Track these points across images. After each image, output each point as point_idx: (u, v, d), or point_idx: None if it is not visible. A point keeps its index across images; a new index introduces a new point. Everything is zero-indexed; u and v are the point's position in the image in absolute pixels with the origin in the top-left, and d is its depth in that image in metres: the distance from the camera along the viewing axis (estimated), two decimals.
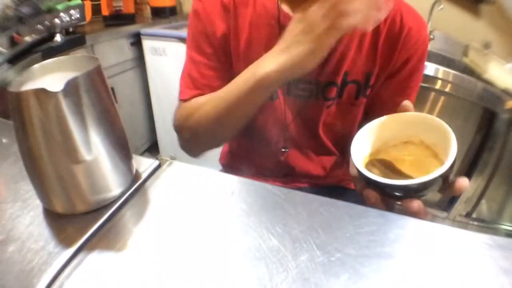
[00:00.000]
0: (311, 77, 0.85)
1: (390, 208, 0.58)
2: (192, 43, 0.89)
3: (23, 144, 0.45)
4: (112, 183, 0.50)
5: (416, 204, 0.53)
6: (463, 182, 0.54)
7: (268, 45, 0.83)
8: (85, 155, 0.44)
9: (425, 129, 0.59)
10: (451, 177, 0.54)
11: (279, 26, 0.81)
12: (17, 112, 0.42)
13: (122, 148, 0.51)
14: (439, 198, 2.23)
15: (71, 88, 0.41)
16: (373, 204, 0.57)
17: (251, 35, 0.83)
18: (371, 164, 0.63)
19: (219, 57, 0.88)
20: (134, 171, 0.55)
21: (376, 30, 0.81)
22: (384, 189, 0.55)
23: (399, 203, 0.56)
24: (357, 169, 0.56)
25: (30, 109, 0.41)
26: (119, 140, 0.51)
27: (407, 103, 0.63)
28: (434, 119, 0.57)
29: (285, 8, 0.82)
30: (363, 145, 0.64)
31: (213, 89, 0.84)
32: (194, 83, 0.89)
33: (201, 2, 0.86)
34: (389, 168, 0.61)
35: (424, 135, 0.60)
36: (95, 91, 0.45)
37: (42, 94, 0.39)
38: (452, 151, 0.51)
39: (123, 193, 0.51)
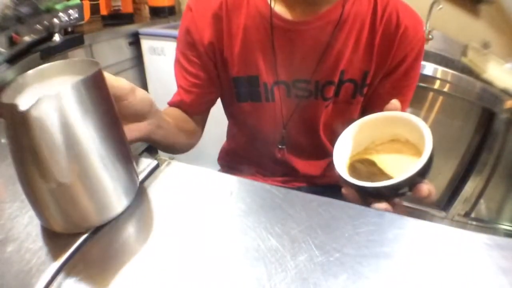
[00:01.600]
0: (309, 76, 0.85)
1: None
2: (180, 51, 0.92)
3: (14, 160, 0.42)
4: (116, 199, 0.47)
5: (383, 206, 0.53)
6: (423, 186, 0.54)
7: (262, 48, 0.84)
8: (83, 172, 0.42)
9: (410, 129, 0.59)
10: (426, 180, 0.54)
11: (271, 28, 0.81)
12: (9, 126, 0.39)
13: (125, 162, 0.48)
14: (438, 197, 2.23)
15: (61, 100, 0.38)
16: (352, 202, 0.57)
17: (245, 38, 0.84)
18: (356, 163, 0.63)
19: (204, 66, 0.89)
20: (138, 181, 0.53)
21: (373, 29, 0.81)
22: (358, 189, 0.55)
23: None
24: (336, 169, 0.57)
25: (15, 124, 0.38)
26: (122, 154, 0.48)
27: (394, 102, 0.63)
28: (415, 120, 0.58)
29: (278, 9, 0.82)
30: (348, 144, 0.64)
31: (193, 95, 0.91)
32: (178, 90, 0.94)
33: (191, 11, 0.86)
34: (372, 167, 0.61)
35: (409, 134, 0.61)
36: (93, 101, 0.41)
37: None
38: (423, 156, 0.52)
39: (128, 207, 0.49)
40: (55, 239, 0.44)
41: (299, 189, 0.54)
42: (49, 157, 0.39)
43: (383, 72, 0.85)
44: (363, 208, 0.49)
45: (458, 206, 2.15)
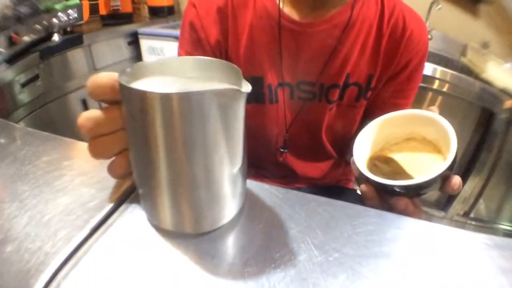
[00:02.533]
0: (315, 79, 0.84)
1: (385, 204, 0.58)
2: (184, 50, 0.89)
3: (144, 148, 0.38)
4: (232, 205, 0.45)
5: (403, 202, 0.54)
6: (455, 180, 0.54)
7: (269, 48, 0.83)
8: (236, 166, 0.42)
9: (426, 125, 0.59)
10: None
11: (279, 28, 0.81)
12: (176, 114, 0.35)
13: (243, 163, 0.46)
14: (437, 197, 2.23)
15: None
16: (370, 199, 0.57)
17: (251, 37, 0.83)
18: (374, 161, 0.63)
19: None
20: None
21: (379, 32, 0.82)
22: (384, 188, 0.55)
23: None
24: (358, 169, 0.57)
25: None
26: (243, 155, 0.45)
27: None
28: (434, 116, 0.58)
29: (286, 10, 0.81)
30: (365, 144, 0.64)
31: None
32: None
33: (195, 8, 0.84)
34: (394, 165, 0.61)
35: (425, 131, 0.61)
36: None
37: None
38: (451, 151, 0.51)
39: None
40: (53, 239, 0.44)
41: (298, 189, 0.54)
42: (198, 152, 0.37)
43: (387, 75, 0.85)
44: (362, 208, 0.49)
45: (457, 206, 2.15)
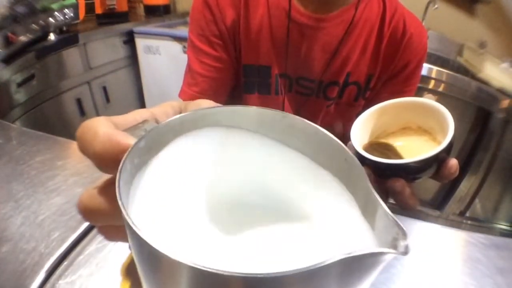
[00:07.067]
0: (315, 76, 0.85)
1: (381, 189, 0.57)
2: (196, 32, 0.86)
3: None
4: None
5: (400, 183, 0.53)
6: (452, 162, 0.54)
7: (274, 37, 0.83)
8: None
9: (422, 114, 0.59)
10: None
11: (288, 20, 0.81)
12: None
13: None
14: (432, 196, 2.24)
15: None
16: None
17: (261, 26, 0.83)
18: (370, 147, 0.63)
19: (227, 47, 0.85)
20: None
21: (380, 34, 0.83)
22: (381, 169, 0.55)
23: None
24: (355, 151, 0.56)
25: None
26: None
27: None
28: (431, 103, 0.58)
29: (296, 2, 0.82)
30: (361, 132, 0.64)
31: (214, 81, 0.85)
32: (194, 78, 0.87)
33: None
34: (388, 150, 0.61)
35: (421, 120, 0.61)
36: None
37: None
38: (449, 134, 0.51)
39: None
40: (48, 240, 0.43)
41: None
42: None
43: (386, 76, 0.86)
44: None
45: (453, 205, 2.15)
